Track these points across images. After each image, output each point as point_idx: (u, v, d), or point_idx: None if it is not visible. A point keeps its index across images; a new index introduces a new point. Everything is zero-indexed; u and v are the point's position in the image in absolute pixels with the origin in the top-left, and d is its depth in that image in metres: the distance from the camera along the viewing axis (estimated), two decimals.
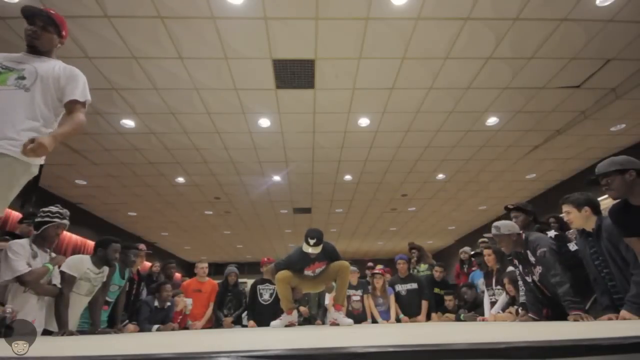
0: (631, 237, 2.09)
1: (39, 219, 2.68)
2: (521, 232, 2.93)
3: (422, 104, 5.02)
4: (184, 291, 4.63)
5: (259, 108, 5.04)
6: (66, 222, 2.76)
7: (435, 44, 3.94)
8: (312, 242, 3.25)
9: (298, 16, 3.55)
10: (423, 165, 6.98)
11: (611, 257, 2.31)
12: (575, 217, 2.47)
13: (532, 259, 2.79)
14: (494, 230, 2.93)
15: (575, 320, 2.25)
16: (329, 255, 3.49)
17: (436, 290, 5.05)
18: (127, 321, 3.86)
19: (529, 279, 2.90)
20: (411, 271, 5.24)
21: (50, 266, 2.64)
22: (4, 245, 2.54)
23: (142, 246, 4.50)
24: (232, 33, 3.72)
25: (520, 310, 3.15)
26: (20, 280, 2.46)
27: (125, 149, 6.02)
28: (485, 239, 5.44)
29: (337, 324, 3.51)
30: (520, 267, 2.96)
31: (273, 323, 3.59)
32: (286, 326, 3.53)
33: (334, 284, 3.58)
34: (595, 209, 2.44)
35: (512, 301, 3.52)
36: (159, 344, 1.36)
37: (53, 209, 2.72)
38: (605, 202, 6.84)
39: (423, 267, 5.62)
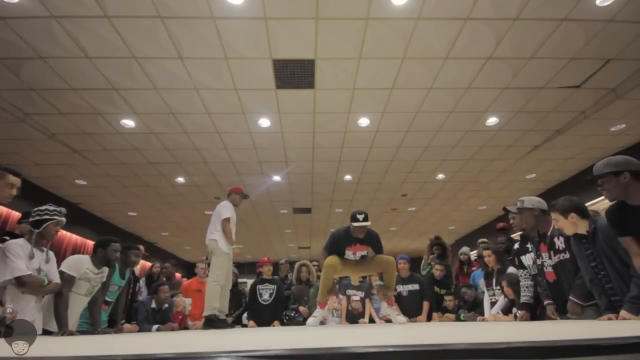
0: (625, 237, 2.08)
1: (37, 218, 2.68)
2: (545, 209, 2.83)
3: (422, 104, 5.02)
4: (184, 291, 4.63)
5: (259, 108, 5.04)
6: (64, 219, 2.79)
7: (435, 44, 3.93)
8: (360, 217, 3.39)
9: (298, 16, 3.55)
10: (423, 165, 6.98)
11: (607, 259, 2.30)
12: (564, 224, 2.47)
13: (561, 245, 2.69)
14: (517, 204, 2.89)
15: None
16: (372, 240, 3.56)
17: (436, 289, 5.03)
18: (123, 321, 3.86)
19: (539, 261, 2.85)
20: (429, 263, 5.24)
21: (45, 279, 2.64)
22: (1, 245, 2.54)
23: (141, 247, 4.53)
24: (232, 33, 3.72)
25: (519, 312, 3.14)
26: (20, 280, 2.45)
27: (125, 149, 6.02)
28: (485, 240, 5.44)
29: (390, 320, 3.53)
30: (533, 250, 2.90)
31: (309, 321, 3.58)
32: (321, 323, 3.57)
33: (380, 282, 3.66)
34: (582, 212, 2.42)
35: (511, 304, 3.50)
36: (159, 344, 1.36)
37: (50, 207, 2.72)
38: (604, 202, 6.81)
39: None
